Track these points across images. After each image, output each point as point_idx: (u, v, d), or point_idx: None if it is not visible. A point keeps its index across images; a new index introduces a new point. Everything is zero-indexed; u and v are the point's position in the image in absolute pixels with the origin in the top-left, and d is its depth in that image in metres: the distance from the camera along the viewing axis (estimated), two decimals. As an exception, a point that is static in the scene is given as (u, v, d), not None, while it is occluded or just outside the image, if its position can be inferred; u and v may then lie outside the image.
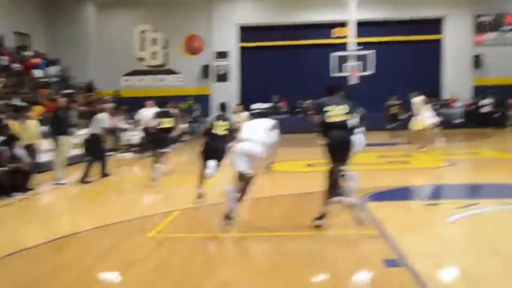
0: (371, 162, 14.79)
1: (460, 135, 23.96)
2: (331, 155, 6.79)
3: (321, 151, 7.01)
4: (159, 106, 12.65)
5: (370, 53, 24.47)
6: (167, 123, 11.03)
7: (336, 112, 6.82)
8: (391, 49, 30.25)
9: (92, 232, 7.31)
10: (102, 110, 13.57)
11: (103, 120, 12.76)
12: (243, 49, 30.13)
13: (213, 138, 8.52)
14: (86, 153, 12.89)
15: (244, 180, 7.25)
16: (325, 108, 6.85)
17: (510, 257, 5.46)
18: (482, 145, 18.97)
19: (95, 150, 12.58)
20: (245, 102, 28.87)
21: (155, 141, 11.20)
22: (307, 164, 13.84)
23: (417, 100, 17.07)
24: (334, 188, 6.75)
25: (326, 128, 6.80)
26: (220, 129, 8.52)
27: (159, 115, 11.11)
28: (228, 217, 7.08)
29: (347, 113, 6.85)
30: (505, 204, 8.00)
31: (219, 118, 8.70)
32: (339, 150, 6.75)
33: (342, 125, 6.78)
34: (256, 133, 7.19)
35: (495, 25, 29.02)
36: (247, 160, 7.13)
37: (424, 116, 16.58)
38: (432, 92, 29.47)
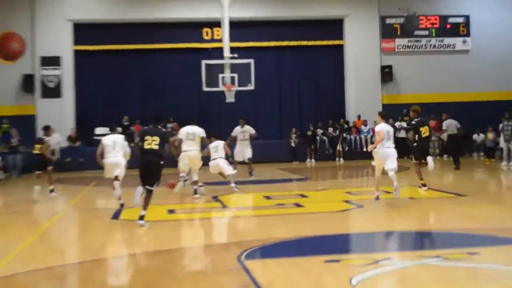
0: (254, 206, 14.89)
1: (369, 168, 25.03)
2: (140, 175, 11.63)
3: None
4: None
5: (248, 62, 24.91)
6: (37, 149, 16.33)
7: (150, 141, 11.57)
8: (282, 57, 31.22)
9: None
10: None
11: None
12: (79, 53, 29.70)
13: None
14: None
15: (116, 179, 13.86)
16: (145, 137, 11.64)
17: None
18: (398, 180, 19.80)
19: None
20: (84, 125, 28.42)
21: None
22: (168, 210, 13.70)
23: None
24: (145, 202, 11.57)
25: (142, 152, 11.62)
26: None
27: (35, 141, 16.78)
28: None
29: (158, 143, 11.56)
30: (421, 257, 8.32)
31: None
32: (146, 172, 11.56)
33: (152, 152, 11.52)
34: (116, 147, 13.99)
35: (407, 28, 30.92)
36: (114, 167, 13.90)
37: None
38: (337, 112, 30.73)
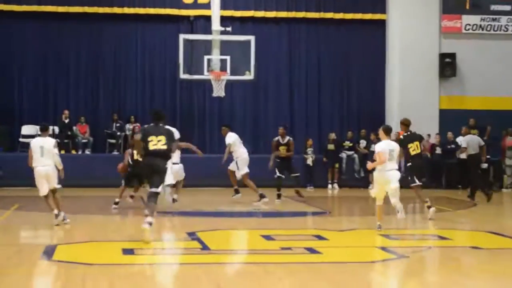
0: (249, 249, 14.85)
1: (418, 202, 24.98)
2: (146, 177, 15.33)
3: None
4: None
5: (247, 39, 24.89)
6: None
7: (156, 141, 14.50)
8: (295, 34, 31.28)
9: None
10: None
11: None
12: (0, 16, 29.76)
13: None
14: None
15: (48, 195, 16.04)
16: (149, 138, 14.52)
17: None
18: (458, 220, 19.82)
19: None
20: (5, 121, 28.38)
21: None
22: (124, 250, 13.68)
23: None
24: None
25: (146, 154, 14.67)
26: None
27: None
28: None
29: (164, 143, 14.56)
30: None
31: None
32: (150, 174, 14.68)
33: (158, 152, 14.58)
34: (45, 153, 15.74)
35: (480, 0, 30.93)
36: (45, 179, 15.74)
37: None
38: (373, 118, 30.68)
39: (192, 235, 15.56)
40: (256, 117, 30.27)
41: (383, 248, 14.70)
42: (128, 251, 13.59)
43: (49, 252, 13.31)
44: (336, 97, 31.46)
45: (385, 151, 15.93)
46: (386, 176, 16.00)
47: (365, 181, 28.82)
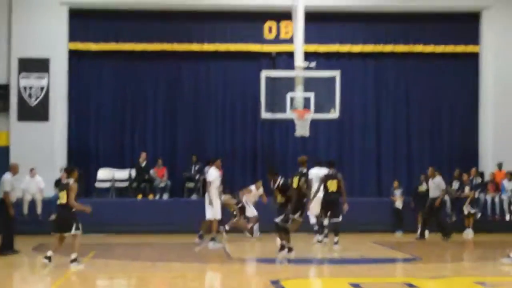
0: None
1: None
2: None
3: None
4: None
5: (333, 75, 24.83)
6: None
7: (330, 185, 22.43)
8: (381, 69, 31.22)
9: None
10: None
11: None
12: (77, 55, 30.21)
13: None
14: None
15: None
16: (328, 182, 22.46)
17: None
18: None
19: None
20: (81, 163, 28.56)
21: None
22: None
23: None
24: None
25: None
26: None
27: None
28: None
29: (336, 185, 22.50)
30: None
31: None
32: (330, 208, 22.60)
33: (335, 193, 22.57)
34: None
35: None
36: None
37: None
38: (465, 158, 30.38)
39: (275, 283, 15.57)
40: (341, 157, 30.12)
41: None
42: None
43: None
44: (425, 135, 31.22)
45: None
46: None
47: (460, 225, 28.31)
